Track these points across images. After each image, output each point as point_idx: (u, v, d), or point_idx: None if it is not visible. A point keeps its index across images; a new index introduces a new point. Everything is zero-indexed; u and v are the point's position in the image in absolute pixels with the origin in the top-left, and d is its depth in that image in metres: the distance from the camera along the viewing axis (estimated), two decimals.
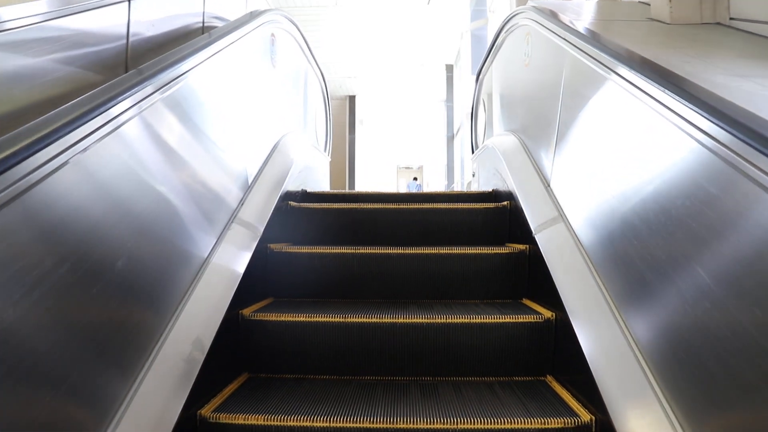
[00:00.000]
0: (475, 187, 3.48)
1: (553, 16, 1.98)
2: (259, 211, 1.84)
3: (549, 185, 1.93)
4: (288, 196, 2.35)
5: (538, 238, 1.75)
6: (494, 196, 2.63)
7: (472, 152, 3.88)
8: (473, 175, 3.59)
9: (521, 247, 1.92)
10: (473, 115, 3.94)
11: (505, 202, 2.26)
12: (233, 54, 1.85)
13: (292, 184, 2.52)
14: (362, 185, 15.97)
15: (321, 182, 3.45)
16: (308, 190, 2.75)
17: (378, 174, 16.48)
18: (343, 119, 16.31)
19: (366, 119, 16.34)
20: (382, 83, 15.33)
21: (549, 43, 1.99)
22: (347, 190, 2.34)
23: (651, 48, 1.68)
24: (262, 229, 1.82)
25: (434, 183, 16.83)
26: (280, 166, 2.28)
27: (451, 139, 15.24)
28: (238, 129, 1.85)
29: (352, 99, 16.25)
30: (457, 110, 14.31)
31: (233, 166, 1.78)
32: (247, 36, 2.02)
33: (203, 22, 1.97)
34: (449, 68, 14.56)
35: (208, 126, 1.57)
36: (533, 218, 1.86)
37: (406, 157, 17.07)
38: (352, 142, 16.17)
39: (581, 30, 1.64)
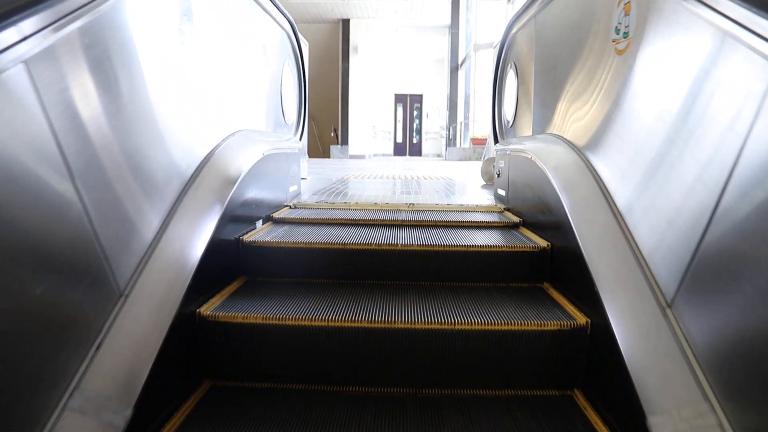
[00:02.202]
0: (503, 193, 2.54)
1: None
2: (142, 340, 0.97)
3: (671, 305, 1.05)
4: (215, 254, 1.47)
5: None
6: (550, 256, 1.67)
7: (495, 141, 2.88)
8: (498, 175, 2.64)
9: None
10: (496, 83, 2.89)
11: (583, 321, 1.31)
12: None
13: (227, 227, 1.62)
14: (355, 119, 14.79)
15: (285, 189, 2.41)
16: (248, 238, 1.72)
17: (374, 104, 15.16)
18: (336, 46, 14.76)
19: (361, 46, 14.79)
20: (379, 6, 13.64)
21: (701, 29, 1.02)
22: (318, 240, 1.42)
23: None
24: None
25: (434, 117, 15.61)
26: (201, 217, 1.36)
27: (455, 69, 13.84)
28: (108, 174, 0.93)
29: (345, 23, 14.60)
30: (463, 38, 12.95)
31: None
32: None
33: None
34: None
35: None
36: (645, 392, 0.98)
37: (405, 85, 15.70)
38: (346, 71, 14.78)
39: None
